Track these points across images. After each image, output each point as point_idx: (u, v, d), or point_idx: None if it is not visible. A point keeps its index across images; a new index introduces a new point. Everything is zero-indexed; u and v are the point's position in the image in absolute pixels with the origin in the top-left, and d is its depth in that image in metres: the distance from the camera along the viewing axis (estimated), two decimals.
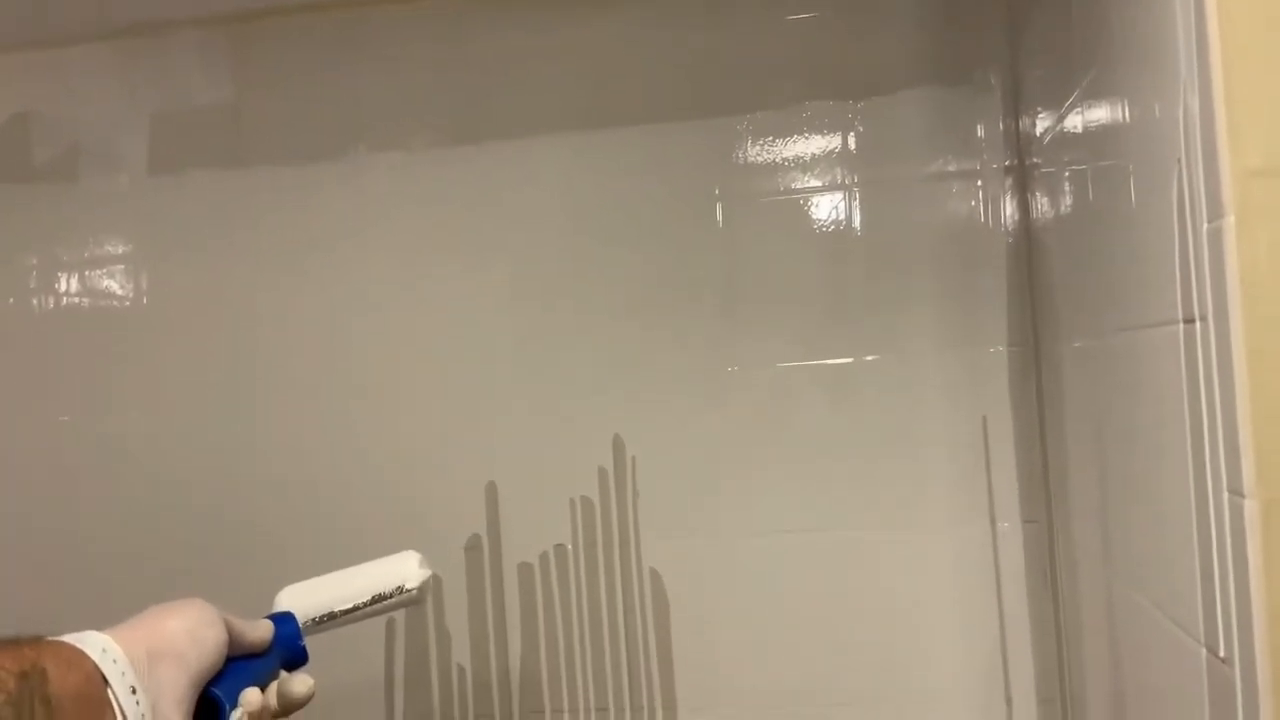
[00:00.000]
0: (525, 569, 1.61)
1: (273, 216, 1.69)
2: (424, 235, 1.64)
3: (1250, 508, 0.73)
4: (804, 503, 1.55)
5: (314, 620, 1.01)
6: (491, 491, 1.62)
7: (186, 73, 1.72)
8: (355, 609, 1.04)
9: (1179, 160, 0.82)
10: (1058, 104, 1.25)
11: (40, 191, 1.74)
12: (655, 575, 1.58)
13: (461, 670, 1.62)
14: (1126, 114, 0.97)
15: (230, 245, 1.70)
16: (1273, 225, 0.73)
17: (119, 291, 1.73)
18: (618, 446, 1.59)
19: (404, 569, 1.06)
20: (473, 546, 1.63)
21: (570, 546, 1.60)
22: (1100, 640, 1.21)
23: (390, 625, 1.63)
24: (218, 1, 1.65)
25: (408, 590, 1.05)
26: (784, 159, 1.57)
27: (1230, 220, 0.74)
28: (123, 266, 1.73)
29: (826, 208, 1.56)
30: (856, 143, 1.55)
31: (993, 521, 1.51)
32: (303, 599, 1.02)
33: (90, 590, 1.67)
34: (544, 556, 1.61)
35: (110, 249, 1.74)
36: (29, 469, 1.73)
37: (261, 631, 0.90)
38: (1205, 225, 0.78)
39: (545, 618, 1.61)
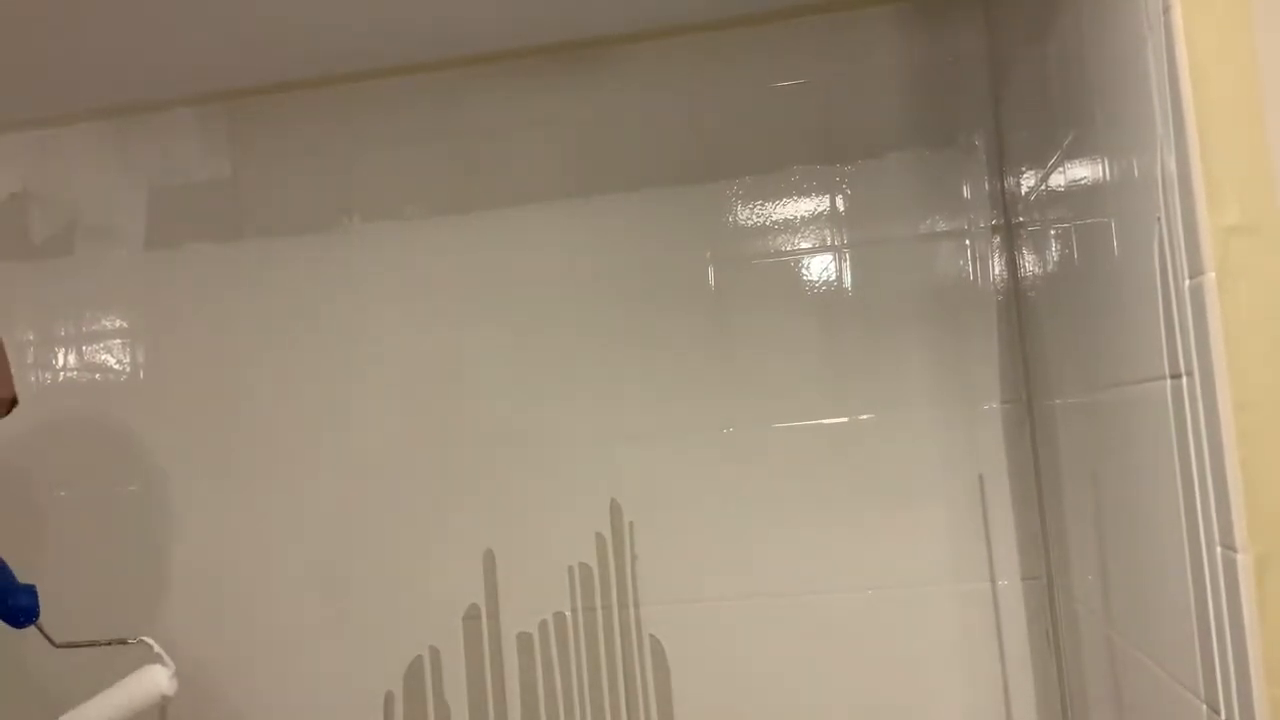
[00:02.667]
0: (524, 638, 1.60)
1: (268, 288, 1.70)
2: (418, 304, 1.66)
3: (1243, 562, 0.73)
4: (803, 563, 1.54)
5: None
6: (489, 560, 1.61)
7: (184, 149, 1.74)
8: None
9: (1159, 218, 0.83)
10: (1041, 164, 1.27)
11: (39, 267, 1.76)
12: (655, 641, 1.57)
13: None
14: (1107, 173, 0.99)
15: (227, 317, 1.71)
16: (1253, 280, 0.74)
17: (116, 365, 1.74)
18: (615, 511, 1.59)
19: (158, 683, 1.28)
20: (471, 616, 1.61)
21: (569, 614, 1.59)
22: (1103, 697, 1.20)
23: (389, 697, 1.62)
24: (214, 79, 1.68)
25: (168, 698, 1.29)
26: (774, 222, 1.59)
27: (1211, 276, 0.75)
28: (120, 340, 1.74)
29: (817, 269, 1.57)
30: (845, 205, 1.57)
31: (992, 579, 1.50)
32: None
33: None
34: (543, 625, 1.60)
35: (107, 323, 1.75)
36: (22, 542, 1.72)
37: None
38: (1187, 281, 0.79)
39: (545, 687, 1.59)
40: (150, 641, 1.32)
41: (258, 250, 1.71)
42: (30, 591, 1.30)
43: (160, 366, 1.73)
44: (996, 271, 1.53)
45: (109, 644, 1.36)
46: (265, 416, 1.68)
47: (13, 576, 1.30)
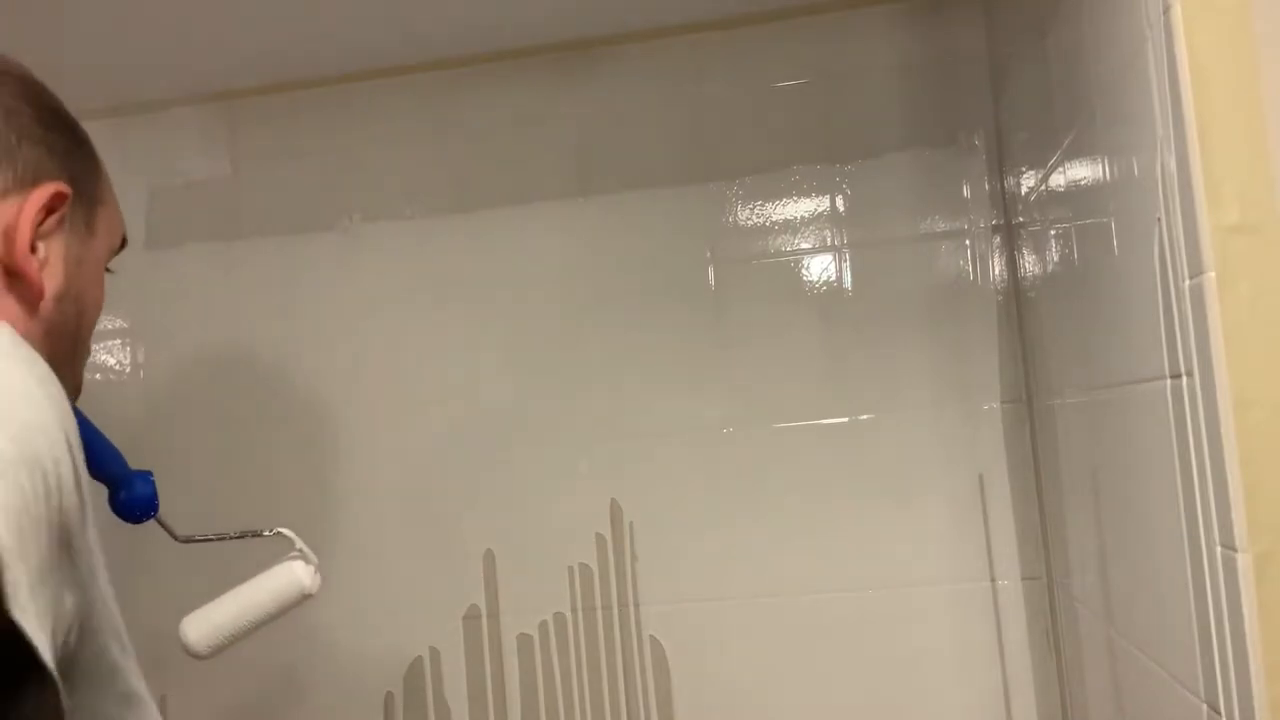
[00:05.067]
0: (524, 639, 1.60)
1: (268, 287, 1.70)
2: (418, 303, 1.66)
3: (1243, 561, 0.73)
4: (803, 564, 1.54)
5: (228, 638, 1.17)
6: (489, 560, 1.61)
7: (184, 148, 1.74)
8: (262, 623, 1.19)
9: (1159, 218, 0.83)
10: (1041, 163, 1.27)
11: None
12: (655, 643, 1.57)
13: None
14: (1107, 173, 0.99)
15: (226, 317, 1.71)
16: (1253, 280, 0.74)
17: (116, 365, 1.74)
18: (615, 512, 1.59)
19: (299, 579, 1.18)
20: (471, 616, 1.61)
21: (569, 615, 1.59)
22: (1103, 697, 1.20)
23: (389, 698, 1.62)
24: (213, 79, 1.68)
25: (309, 595, 1.19)
26: (774, 222, 1.59)
27: (1211, 276, 0.75)
28: (120, 340, 1.74)
29: (817, 269, 1.57)
30: (845, 205, 1.57)
31: (992, 579, 1.50)
32: (209, 624, 1.16)
33: None
34: (543, 626, 1.60)
35: (108, 323, 1.74)
36: None
37: None
38: (1187, 281, 0.79)
39: (545, 688, 1.59)
40: (290, 534, 1.20)
41: (257, 249, 1.71)
42: (147, 479, 1.13)
43: (160, 366, 1.72)
44: (996, 271, 1.53)
45: (239, 537, 1.23)
46: (264, 414, 1.68)
47: (126, 463, 1.11)
